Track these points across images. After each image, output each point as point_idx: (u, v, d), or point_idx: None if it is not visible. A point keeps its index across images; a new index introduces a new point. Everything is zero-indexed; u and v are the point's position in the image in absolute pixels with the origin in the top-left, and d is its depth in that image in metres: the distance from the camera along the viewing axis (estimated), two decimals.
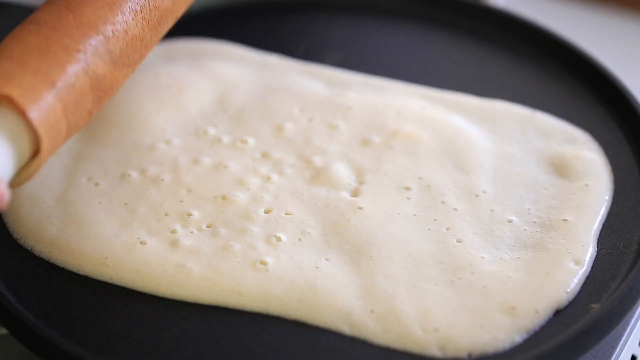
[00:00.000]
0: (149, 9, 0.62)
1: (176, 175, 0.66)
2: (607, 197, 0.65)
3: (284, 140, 0.68)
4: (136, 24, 0.61)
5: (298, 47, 0.78)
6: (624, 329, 0.61)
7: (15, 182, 0.56)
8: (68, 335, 0.56)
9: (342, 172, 0.66)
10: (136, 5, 0.61)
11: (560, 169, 0.67)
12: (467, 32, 0.80)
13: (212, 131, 0.69)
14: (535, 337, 0.57)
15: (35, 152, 0.56)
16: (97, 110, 0.59)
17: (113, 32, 0.60)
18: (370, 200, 0.64)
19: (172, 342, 0.57)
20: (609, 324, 0.57)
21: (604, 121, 0.71)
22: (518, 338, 0.57)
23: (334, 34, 0.81)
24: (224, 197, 0.64)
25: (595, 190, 0.65)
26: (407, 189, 0.65)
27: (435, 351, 0.56)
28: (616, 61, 0.79)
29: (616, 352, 0.60)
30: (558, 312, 0.58)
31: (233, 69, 0.74)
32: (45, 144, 0.55)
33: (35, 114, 0.54)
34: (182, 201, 0.64)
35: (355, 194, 0.65)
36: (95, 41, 0.58)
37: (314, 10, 0.81)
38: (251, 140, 0.68)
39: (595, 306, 0.58)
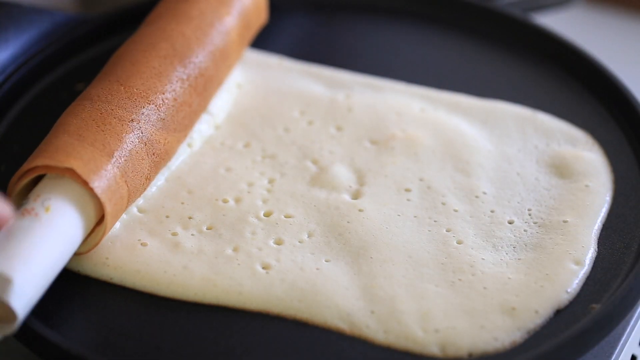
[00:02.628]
0: (195, 77, 0.66)
1: (177, 177, 0.65)
2: (607, 198, 0.65)
3: (285, 143, 0.68)
4: (184, 92, 0.65)
5: (298, 48, 0.78)
6: (624, 329, 0.61)
7: (84, 250, 0.59)
8: (68, 335, 0.56)
9: (343, 174, 0.66)
10: (182, 75, 0.65)
11: (561, 169, 0.67)
12: (467, 32, 0.79)
13: (213, 133, 0.69)
14: (536, 338, 0.57)
15: (101, 219, 0.59)
16: (154, 175, 0.63)
17: (163, 100, 0.63)
18: (371, 202, 0.64)
19: (172, 342, 0.57)
20: (609, 324, 0.57)
21: (604, 121, 0.71)
22: (518, 338, 0.57)
23: (334, 34, 0.81)
24: (224, 200, 0.64)
25: (595, 191, 0.65)
26: (408, 190, 0.65)
27: (435, 352, 0.56)
28: (616, 61, 0.79)
29: (616, 352, 0.60)
30: (558, 313, 0.58)
31: (234, 70, 0.74)
32: (108, 209, 0.58)
33: (96, 183, 0.57)
34: (183, 203, 0.64)
35: (355, 195, 0.65)
36: (147, 110, 0.62)
37: (314, 10, 0.81)
38: (252, 143, 0.68)
39: (596, 306, 0.58)
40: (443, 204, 0.64)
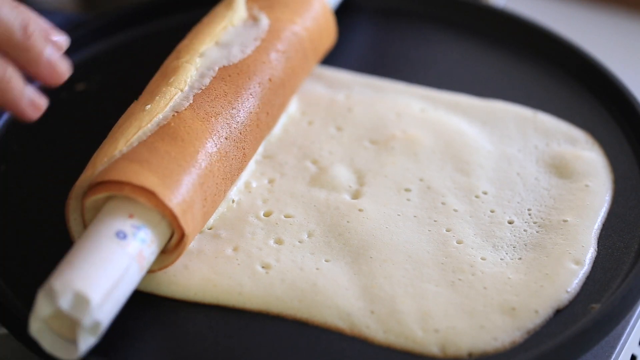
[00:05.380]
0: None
1: None
2: (607, 198, 0.65)
3: (285, 143, 0.68)
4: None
5: None
6: (624, 329, 0.61)
7: (160, 266, 0.59)
8: None
9: (343, 174, 0.66)
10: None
11: (561, 169, 0.67)
12: (467, 32, 0.80)
13: None
14: (536, 337, 0.57)
15: (172, 234, 0.58)
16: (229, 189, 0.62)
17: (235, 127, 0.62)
18: (371, 201, 0.64)
19: (172, 342, 0.57)
20: (609, 323, 0.57)
21: (604, 121, 0.71)
22: (518, 338, 0.57)
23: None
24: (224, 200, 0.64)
25: (595, 191, 0.65)
26: (408, 190, 0.65)
27: (435, 351, 0.56)
28: (616, 61, 0.79)
29: (616, 352, 0.60)
30: (558, 312, 0.58)
31: None
32: (187, 230, 0.57)
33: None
34: None
35: (355, 195, 0.65)
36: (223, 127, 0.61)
37: None
38: None
39: (596, 306, 0.58)
40: (443, 203, 0.64)
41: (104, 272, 0.53)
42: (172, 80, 0.62)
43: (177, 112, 0.60)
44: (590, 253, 0.61)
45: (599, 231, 0.63)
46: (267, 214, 0.63)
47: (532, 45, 0.77)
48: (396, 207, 0.64)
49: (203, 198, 0.58)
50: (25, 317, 0.56)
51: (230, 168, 0.61)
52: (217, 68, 0.63)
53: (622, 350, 0.61)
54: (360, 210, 0.63)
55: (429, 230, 0.62)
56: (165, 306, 0.58)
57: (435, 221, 0.63)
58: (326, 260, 0.60)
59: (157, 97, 0.60)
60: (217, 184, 0.59)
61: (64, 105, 0.66)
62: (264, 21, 0.68)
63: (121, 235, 0.54)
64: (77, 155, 0.68)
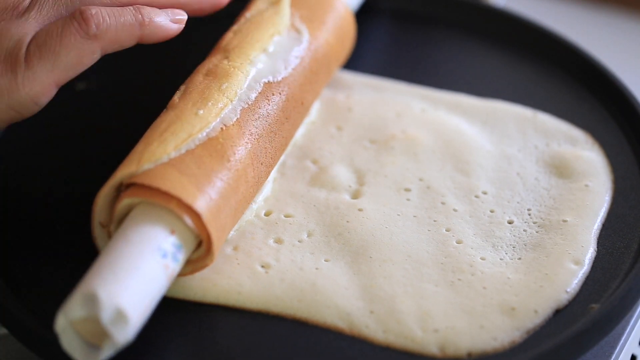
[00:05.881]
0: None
1: None
2: (607, 198, 0.65)
3: None
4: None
5: None
6: (624, 329, 0.61)
7: (188, 271, 0.58)
8: None
9: (343, 173, 0.66)
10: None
11: (561, 169, 0.67)
12: (467, 32, 0.80)
13: None
14: (535, 337, 0.57)
15: (200, 240, 0.57)
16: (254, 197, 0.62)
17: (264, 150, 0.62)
18: (370, 201, 0.64)
19: (172, 342, 0.57)
20: (608, 323, 0.57)
21: (604, 121, 0.71)
22: (518, 338, 0.57)
23: None
24: None
25: (595, 191, 0.65)
26: (407, 190, 0.65)
27: (435, 351, 0.56)
28: (616, 61, 0.79)
29: (616, 352, 0.60)
30: (558, 312, 0.58)
31: None
32: (216, 254, 0.57)
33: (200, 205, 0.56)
34: None
35: (355, 195, 0.65)
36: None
37: None
38: None
39: (595, 306, 0.58)
40: (443, 203, 0.64)
41: (146, 294, 0.53)
42: (224, 86, 0.61)
43: (225, 125, 0.59)
44: (589, 253, 0.61)
45: (598, 231, 0.63)
46: (267, 214, 0.63)
47: (532, 45, 0.77)
48: (396, 207, 0.64)
49: (232, 223, 0.59)
50: (25, 318, 0.56)
51: (256, 192, 0.61)
52: (262, 82, 0.63)
53: (622, 350, 0.61)
54: (360, 210, 0.63)
55: (429, 230, 0.62)
56: (165, 306, 0.58)
57: (435, 221, 0.63)
58: (326, 260, 0.61)
59: (210, 104, 0.60)
60: (244, 208, 0.60)
61: (64, 105, 0.66)
62: (305, 36, 0.67)
63: (163, 254, 0.54)
64: (78, 155, 0.68)
